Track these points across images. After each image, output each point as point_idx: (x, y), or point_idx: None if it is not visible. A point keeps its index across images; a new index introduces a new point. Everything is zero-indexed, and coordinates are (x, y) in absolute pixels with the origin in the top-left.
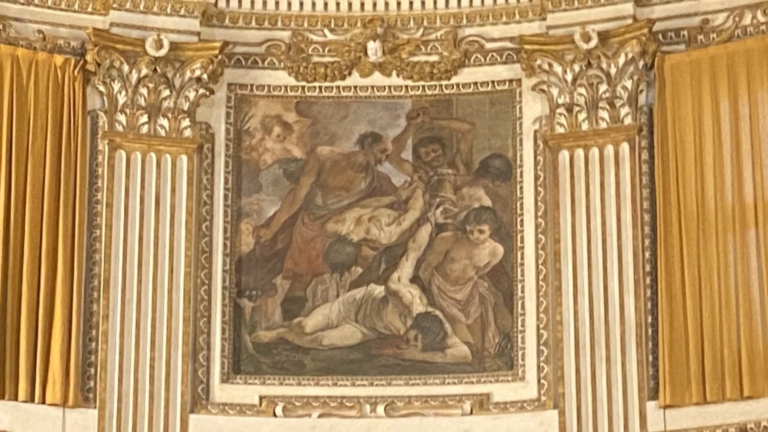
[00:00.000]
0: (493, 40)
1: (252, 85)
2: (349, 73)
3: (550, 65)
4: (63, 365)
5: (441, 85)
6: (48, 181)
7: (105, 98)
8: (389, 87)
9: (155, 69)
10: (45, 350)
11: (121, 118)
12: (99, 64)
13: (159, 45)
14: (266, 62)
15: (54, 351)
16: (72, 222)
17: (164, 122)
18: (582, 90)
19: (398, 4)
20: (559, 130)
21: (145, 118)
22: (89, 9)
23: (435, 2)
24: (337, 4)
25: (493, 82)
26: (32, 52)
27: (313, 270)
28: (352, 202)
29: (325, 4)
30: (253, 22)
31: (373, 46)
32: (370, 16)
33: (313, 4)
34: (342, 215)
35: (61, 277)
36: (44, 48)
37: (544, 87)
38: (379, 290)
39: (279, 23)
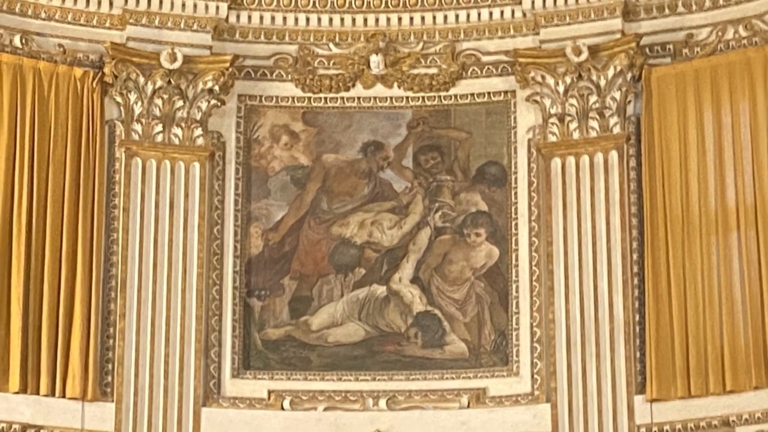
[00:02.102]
0: (489, 53)
1: (261, 96)
2: (353, 85)
3: (543, 77)
4: (82, 361)
5: (440, 96)
6: (68, 187)
7: (122, 108)
8: (391, 98)
9: (169, 81)
10: (65, 347)
11: (137, 127)
12: (116, 77)
13: (173, 58)
14: (274, 74)
15: (73, 347)
16: (90, 226)
17: (178, 131)
18: (573, 101)
19: (399, 19)
20: (552, 138)
21: (159, 128)
22: (107, 24)
23: (434, 18)
24: (342, 19)
25: (489, 93)
26: (53, 64)
27: (318, 271)
28: (355, 207)
29: (330, 20)
30: (262, 37)
31: (375, 60)
32: (372, 31)
33: (319, 19)
34: (346, 219)
35: (80, 278)
36: (64, 61)
37: (538, 98)
38: (381, 290)
39: (286, 38)
